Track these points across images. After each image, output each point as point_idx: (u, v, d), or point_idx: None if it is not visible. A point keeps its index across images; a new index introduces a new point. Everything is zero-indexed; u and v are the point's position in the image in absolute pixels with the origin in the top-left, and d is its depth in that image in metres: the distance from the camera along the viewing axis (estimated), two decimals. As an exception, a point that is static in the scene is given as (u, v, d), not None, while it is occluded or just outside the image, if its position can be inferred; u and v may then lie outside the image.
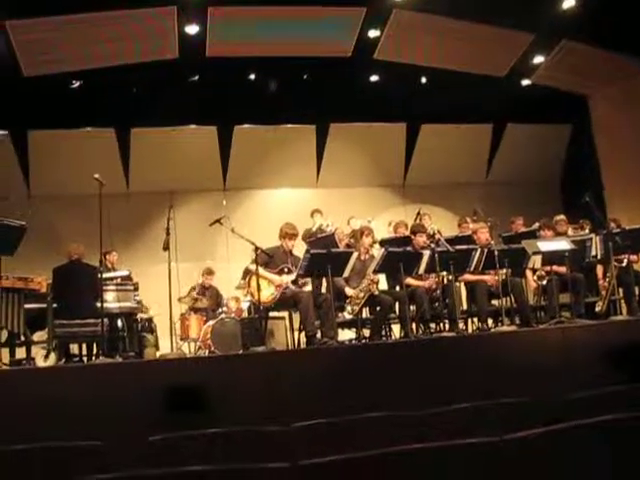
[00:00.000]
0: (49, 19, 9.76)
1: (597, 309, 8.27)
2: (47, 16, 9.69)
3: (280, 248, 7.76)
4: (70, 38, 10.19)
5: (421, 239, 8.26)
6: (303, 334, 7.37)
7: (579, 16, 10.51)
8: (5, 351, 7.27)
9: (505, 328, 7.64)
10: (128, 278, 8.87)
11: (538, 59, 12.22)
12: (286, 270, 7.58)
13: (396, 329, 8.35)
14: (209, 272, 10.72)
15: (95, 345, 7.76)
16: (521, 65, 12.35)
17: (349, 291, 7.77)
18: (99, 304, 6.90)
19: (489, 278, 8.10)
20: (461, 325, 8.26)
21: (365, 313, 8.20)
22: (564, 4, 10.47)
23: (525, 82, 12.88)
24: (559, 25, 10.98)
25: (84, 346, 7.98)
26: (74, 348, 8.09)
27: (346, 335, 8.74)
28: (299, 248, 7.99)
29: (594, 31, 10.95)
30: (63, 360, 7.38)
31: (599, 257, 8.42)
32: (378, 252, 7.81)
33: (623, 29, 10.58)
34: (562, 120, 14.32)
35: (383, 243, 8.65)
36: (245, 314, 9.93)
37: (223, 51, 11.27)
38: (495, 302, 8.42)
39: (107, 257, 9.66)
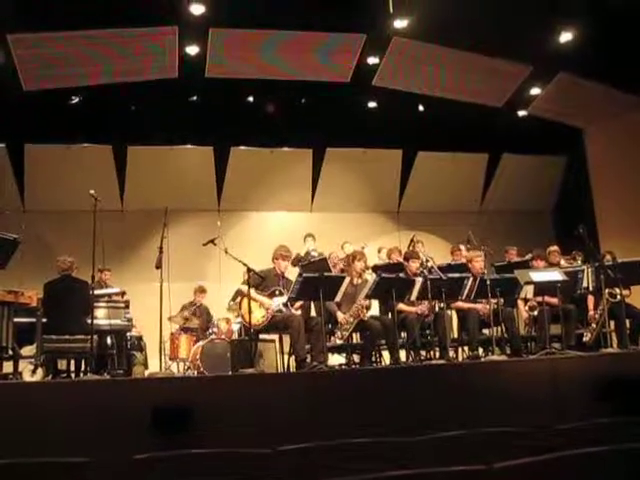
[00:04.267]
0: (51, 34, 9.83)
1: (585, 339, 8.27)
2: (49, 31, 9.76)
3: (272, 271, 7.74)
4: (71, 54, 10.26)
5: (414, 265, 8.28)
6: (293, 358, 7.34)
7: (576, 50, 10.64)
8: (-8, 365, 7.22)
9: (495, 357, 7.63)
10: (120, 295, 8.85)
11: (535, 91, 12.34)
12: (277, 293, 7.55)
13: (387, 355, 8.33)
14: (201, 290, 10.69)
15: (83, 362, 7.72)
16: (518, 96, 12.47)
17: (340, 316, 7.76)
18: (89, 320, 6.88)
19: (481, 307, 8.10)
20: (451, 353, 8.25)
21: (356, 338, 8.18)
22: (561, 37, 10.59)
23: (521, 113, 13.00)
24: (556, 58, 11.10)
25: (72, 362, 7.94)
26: (62, 364, 8.05)
27: (336, 360, 8.72)
28: (291, 272, 7.98)
29: (591, 65, 11.09)
30: (50, 376, 7.33)
31: (590, 289, 8.45)
32: (371, 277, 7.81)
33: (619, 64, 10.71)
34: (557, 152, 14.42)
35: (376, 269, 8.65)
36: (235, 336, 9.89)
37: (222, 72, 11.34)
38: (486, 331, 8.42)
39: (101, 275, 9.66)
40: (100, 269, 9.43)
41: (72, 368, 7.88)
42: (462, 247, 9.87)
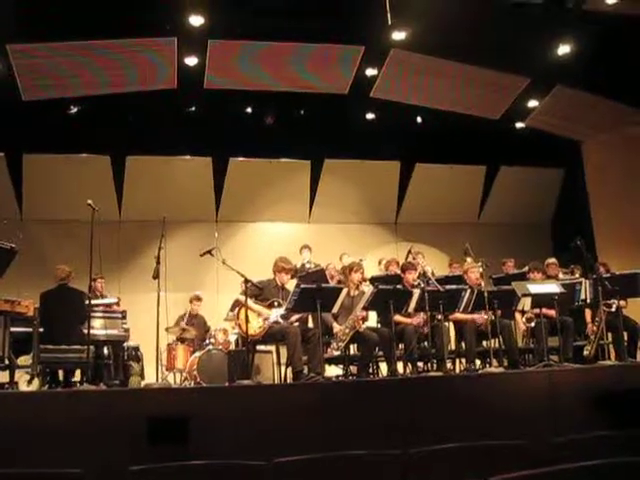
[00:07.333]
0: (50, 45, 9.85)
1: (585, 353, 8.26)
2: (48, 42, 9.78)
3: (272, 282, 7.73)
4: (70, 64, 10.28)
5: (410, 276, 8.27)
6: (290, 369, 7.31)
7: (574, 63, 10.67)
8: (-12, 374, 7.19)
9: (493, 369, 7.62)
10: (116, 305, 8.83)
11: (532, 103, 12.36)
12: (276, 304, 7.53)
13: (384, 367, 8.31)
14: (197, 299, 10.66)
15: (80, 372, 7.69)
16: (515, 108, 12.48)
17: (336, 327, 7.74)
18: (86, 330, 6.86)
19: (478, 317, 8.08)
20: (449, 365, 8.23)
21: (353, 350, 8.16)
22: (559, 50, 10.62)
23: (519, 125, 13.03)
24: (554, 71, 11.13)
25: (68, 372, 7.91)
26: (59, 374, 8.02)
27: (334, 371, 8.70)
28: (291, 284, 7.96)
29: (588, 78, 11.13)
30: (46, 386, 7.30)
31: (588, 301, 8.45)
32: (368, 289, 7.80)
33: (616, 77, 10.76)
34: (555, 164, 14.42)
35: (374, 280, 8.64)
36: (232, 346, 9.87)
37: (221, 83, 11.36)
38: (484, 343, 8.41)
39: (94, 283, 9.57)
40: (93, 278, 9.33)
41: (68, 378, 7.86)
42: (469, 259, 9.74)
